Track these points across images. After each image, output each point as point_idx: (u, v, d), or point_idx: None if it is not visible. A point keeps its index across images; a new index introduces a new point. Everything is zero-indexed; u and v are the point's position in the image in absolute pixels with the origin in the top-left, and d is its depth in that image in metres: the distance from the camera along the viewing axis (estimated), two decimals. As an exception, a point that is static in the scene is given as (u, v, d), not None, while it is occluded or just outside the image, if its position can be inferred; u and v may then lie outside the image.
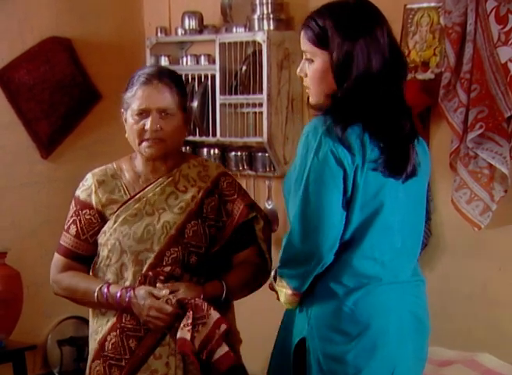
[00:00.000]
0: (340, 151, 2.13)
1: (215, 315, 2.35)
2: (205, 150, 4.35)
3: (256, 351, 3.12)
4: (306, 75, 2.30)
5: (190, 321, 2.33)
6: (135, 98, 2.48)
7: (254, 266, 2.53)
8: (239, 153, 4.24)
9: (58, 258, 2.59)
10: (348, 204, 2.15)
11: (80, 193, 2.58)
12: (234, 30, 4.16)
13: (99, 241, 2.53)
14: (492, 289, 3.49)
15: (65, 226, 2.58)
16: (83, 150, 4.55)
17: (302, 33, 2.29)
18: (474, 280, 3.54)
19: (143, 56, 4.61)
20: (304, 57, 2.31)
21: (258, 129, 4.13)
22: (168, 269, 2.44)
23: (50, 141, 4.43)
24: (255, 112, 4.17)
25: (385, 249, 2.21)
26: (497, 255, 3.45)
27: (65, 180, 4.42)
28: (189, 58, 4.35)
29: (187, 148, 4.42)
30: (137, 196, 2.52)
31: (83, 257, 2.56)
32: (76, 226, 2.55)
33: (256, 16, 4.08)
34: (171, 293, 2.39)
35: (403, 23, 3.64)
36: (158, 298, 2.38)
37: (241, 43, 4.09)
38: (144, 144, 2.48)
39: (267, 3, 4.07)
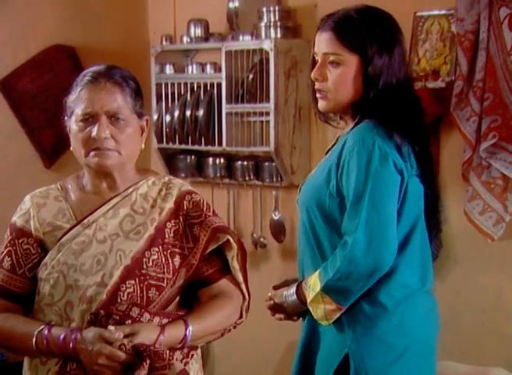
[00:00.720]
0: (398, 158, 2.15)
1: (178, 366, 1.98)
2: (211, 159, 4.29)
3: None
4: (324, 79, 2.24)
5: (145, 372, 1.93)
6: (79, 100, 2.06)
7: (227, 302, 2.13)
8: (245, 163, 4.18)
9: None
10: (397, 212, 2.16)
11: (17, 218, 2.15)
12: (240, 37, 4.10)
13: (39, 275, 2.09)
14: (504, 301, 3.43)
15: None
16: (86, 160, 4.49)
17: (328, 33, 2.24)
18: (486, 293, 3.47)
19: (147, 64, 4.56)
20: (321, 60, 2.24)
21: (265, 138, 4.07)
22: (123, 307, 2.02)
23: (53, 150, 4.37)
24: (262, 121, 4.11)
25: (420, 256, 2.22)
26: (510, 267, 3.39)
27: (69, 189, 4.38)
28: (194, 66, 4.29)
29: (192, 157, 4.38)
30: (85, 220, 2.09)
31: (19, 295, 2.12)
32: (11, 259, 2.11)
33: (263, 24, 4.02)
34: (126, 337, 1.95)
35: (413, 31, 3.58)
36: (110, 343, 1.94)
37: (248, 51, 4.03)
38: (92, 154, 2.06)
39: (274, 11, 4.01)
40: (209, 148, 4.23)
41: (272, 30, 4.00)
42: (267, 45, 3.94)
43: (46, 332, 2.01)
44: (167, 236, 2.10)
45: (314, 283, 2.19)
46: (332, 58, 2.22)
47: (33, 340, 2.02)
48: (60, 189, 2.18)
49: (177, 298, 2.11)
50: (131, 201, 2.12)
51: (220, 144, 4.16)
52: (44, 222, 2.11)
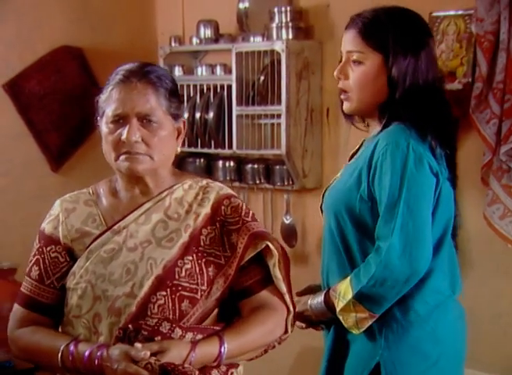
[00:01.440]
0: (433, 160, 2.11)
1: None
2: (220, 162, 4.23)
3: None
4: (346, 77, 2.18)
5: None
6: (110, 101, 1.95)
7: (270, 316, 1.97)
8: (255, 166, 4.11)
9: (16, 310, 2.05)
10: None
11: (46, 225, 2.05)
12: (251, 39, 4.04)
13: (67, 285, 1.99)
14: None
15: (27, 269, 2.05)
16: (94, 163, 4.38)
17: (353, 32, 2.21)
18: (503, 299, 3.40)
19: (157, 66, 4.50)
20: (344, 58, 2.21)
21: (276, 141, 4.01)
22: (152, 321, 1.89)
23: (60, 153, 4.32)
24: (273, 124, 4.04)
25: (449, 262, 2.19)
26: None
27: (76, 193, 4.32)
28: (204, 68, 4.23)
29: (201, 160, 4.32)
30: (115, 226, 1.98)
31: (47, 307, 2.02)
32: (39, 268, 2.01)
33: (274, 25, 3.96)
34: (154, 355, 1.83)
35: (429, 32, 3.52)
36: (136, 361, 1.82)
37: (259, 52, 3.96)
38: (122, 157, 1.94)
39: (285, 11, 3.94)
40: (219, 150, 4.17)
41: (284, 31, 3.93)
42: (278, 46, 3.87)
43: (72, 348, 1.91)
44: (202, 243, 1.97)
45: (344, 291, 2.11)
46: (354, 56, 2.19)
47: (59, 355, 1.92)
48: (91, 193, 2.07)
49: (215, 312, 1.98)
50: (165, 206, 2.00)
51: (230, 146, 4.10)
52: (73, 228, 2.01)
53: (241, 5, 4.22)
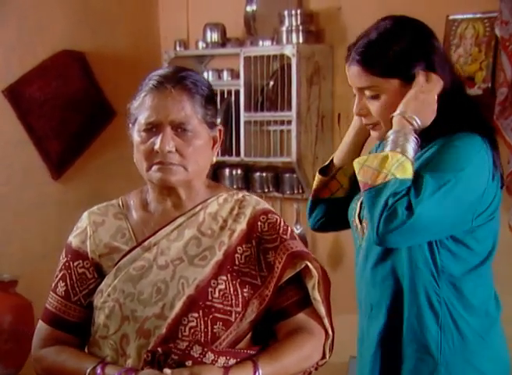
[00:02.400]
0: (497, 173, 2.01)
1: None
2: (227, 170, 4.11)
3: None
4: (368, 113, 2.04)
5: None
6: (142, 108, 1.84)
7: (307, 340, 1.85)
8: (264, 174, 3.99)
9: (41, 328, 1.95)
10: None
11: (73, 238, 1.94)
12: (260, 43, 3.92)
13: (94, 303, 1.88)
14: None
15: (53, 284, 1.94)
16: (96, 171, 4.30)
17: (356, 69, 2.01)
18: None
19: (160, 71, 4.38)
20: (358, 94, 2.04)
21: (286, 148, 3.88)
22: (183, 345, 1.78)
23: (61, 160, 4.19)
24: (282, 131, 3.92)
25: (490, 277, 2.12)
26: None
27: (77, 203, 4.18)
28: (210, 72, 4.10)
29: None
30: (146, 242, 1.87)
31: (74, 325, 1.92)
32: (66, 284, 1.90)
33: (284, 28, 3.84)
34: None
35: (446, 35, 3.42)
36: None
37: (268, 57, 3.85)
38: (154, 168, 1.83)
39: (296, 14, 3.83)
40: (226, 158, 4.04)
41: (294, 35, 3.82)
42: (289, 51, 3.75)
43: (99, 371, 1.80)
44: (237, 262, 1.84)
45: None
46: (368, 92, 2.02)
47: None
48: (121, 205, 1.95)
49: (249, 335, 1.86)
50: (198, 221, 1.88)
51: (238, 154, 3.98)
52: (101, 243, 1.90)
53: (248, 8, 4.11)
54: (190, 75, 1.87)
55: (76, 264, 1.91)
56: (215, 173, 4.16)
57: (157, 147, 1.81)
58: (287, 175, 3.92)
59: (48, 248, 4.11)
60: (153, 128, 1.83)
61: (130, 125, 1.91)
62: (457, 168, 1.92)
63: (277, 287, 1.84)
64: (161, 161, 1.82)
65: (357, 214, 2.12)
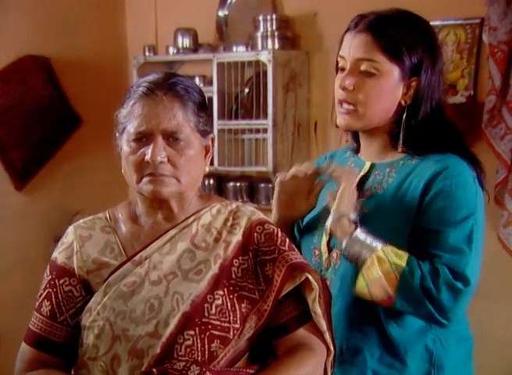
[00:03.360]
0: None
1: None
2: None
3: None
4: (356, 89, 1.91)
5: None
6: (132, 116, 1.73)
7: (308, 357, 1.75)
8: (238, 184, 3.87)
9: (24, 350, 1.82)
10: None
11: (58, 254, 1.82)
12: (234, 48, 3.79)
13: (82, 322, 1.76)
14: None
15: (37, 304, 1.82)
16: (61, 181, 4.13)
17: (365, 36, 1.89)
18: (509, 326, 3.21)
19: (127, 77, 4.25)
20: (352, 66, 1.91)
21: (262, 157, 3.77)
22: (180, 365, 1.67)
23: (24, 170, 4.00)
24: (257, 139, 3.81)
25: None
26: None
27: (41, 215, 4.05)
28: (181, 79, 3.95)
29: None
30: (137, 257, 1.76)
31: (60, 346, 1.80)
32: (51, 303, 1.79)
33: (259, 34, 3.73)
34: None
35: (426, 42, 3.32)
36: None
37: (242, 63, 3.73)
38: (145, 180, 1.73)
39: (271, 19, 3.72)
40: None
41: (270, 41, 3.71)
42: (264, 57, 3.64)
43: None
44: (234, 276, 1.74)
45: (396, 255, 1.86)
46: (365, 65, 1.90)
47: None
48: (108, 219, 1.85)
49: (247, 353, 1.76)
50: (191, 233, 1.78)
51: (211, 163, 3.79)
52: (89, 258, 1.79)
53: (221, 13, 3.99)
54: (181, 81, 1.77)
55: (61, 281, 1.80)
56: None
57: (148, 157, 1.71)
58: (262, 185, 3.80)
59: (9, 264, 3.94)
60: (143, 138, 1.73)
61: (117, 134, 1.80)
62: (471, 209, 1.87)
63: (276, 302, 1.74)
64: (152, 172, 1.72)
65: (325, 242, 1.98)
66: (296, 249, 1.80)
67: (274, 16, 3.72)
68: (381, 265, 1.83)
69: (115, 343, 1.70)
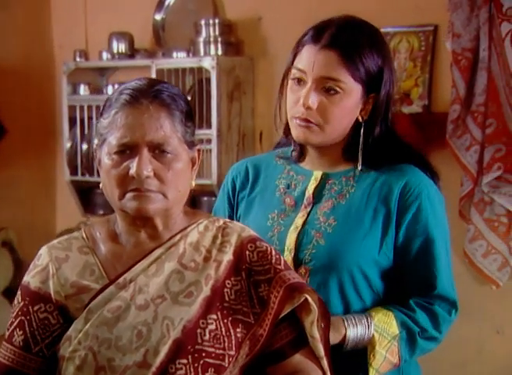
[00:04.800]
0: None
1: None
2: (136, 194, 3.74)
3: None
4: (318, 107, 1.81)
5: None
6: (114, 126, 1.59)
7: None
8: (178, 197, 3.65)
9: None
10: None
11: (31, 278, 1.67)
12: (174, 54, 3.58)
13: (60, 353, 1.62)
14: (488, 354, 3.08)
15: (7, 333, 1.66)
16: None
17: (332, 54, 1.79)
18: (469, 344, 3.11)
19: (56, 84, 3.98)
20: (315, 83, 1.80)
21: (205, 169, 3.56)
22: None
23: None
24: (199, 150, 3.59)
25: None
26: (495, 316, 3.04)
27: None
28: (116, 87, 3.71)
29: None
30: (120, 279, 1.63)
31: None
32: (24, 332, 1.63)
33: (201, 39, 3.53)
34: None
35: (379, 49, 3.19)
36: None
37: (183, 70, 3.52)
38: (129, 196, 1.59)
39: (214, 24, 3.53)
40: (135, 180, 3.67)
41: (213, 46, 3.51)
42: (208, 63, 3.44)
43: None
44: (227, 298, 1.61)
45: (389, 327, 1.83)
46: (330, 84, 1.80)
47: None
48: (85, 238, 1.69)
49: None
50: (178, 252, 1.63)
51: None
52: (67, 282, 1.63)
53: (157, 17, 3.77)
54: (166, 88, 1.62)
55: (36, 308, 1.63)
56: (122, 197, 3.80)
57: (133, 172, 1.56)
58: (205, 198, 3.60)
59: None
60: (127, 150, 1.58)
61: (96, 146, 1.65)
62: (444, 223, 1.87)
63: (273, 325, 1.60)
64: (137, 188, 1.57)
65: (291, 255, 1.85)
66: (292, 268, 1.69)
67: (217, 21, 3.53)
68: (381, 345, 1.80)
69: (100, 374, 1.55)
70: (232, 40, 3.56)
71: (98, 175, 3.82)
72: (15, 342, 1.64)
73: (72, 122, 3.80)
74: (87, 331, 1.58)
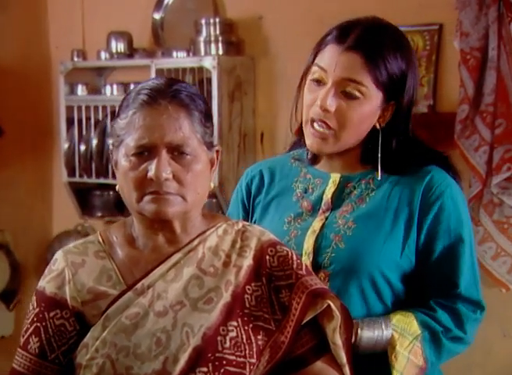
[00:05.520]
0: None
1: None
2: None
3: None
4: (336, 111, 1.75)
5: None
6: (131, 127, 1.55)
7: None
8: (178, 199, 3.60)
9: None
10: None
11: (46, 284, 1.62)
12: (174, 54, 3.53)
13: (77, 360, 1.58)
14: (496, 357, 3.05)
15: (22, 340, 1.62)
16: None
17: (356, 57, 1.74)
18: (476, 347, 3.06)
19: (53, 84, 3.92)
20: (335, 85, 1.75)
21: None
22: None
23: None
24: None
25: None
26: (502, 319, 3.01)
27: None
28: (115, 86, 3.66)
29: (110, 193, 3.77)
30: (138, 285, 1.58)
31: None
32: (40, 339, 1.60)
33: (202, 39, 3.47)
34: None
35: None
36: None
37: (184, 69, 3.47)
38: (147, 198, 1.55)
39: (214, 23, 3.48)
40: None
41: (213, 46, 3.46)
42: (208, 63, 3.39)
43: None
44: (247, 304, 1.57)
45: (410, 327, 1.77)
46: (351, 87, 1.74)
47: None
48: (102, 242, 1.65)
49: None
50: (197, 257, 1.60)
51: (149, 177, 3.56)
52: (84, 288, 1.59)
53: (156, 16, 3.72)
54: (184, 87, 1.59)
55: (52, 314, 1.60)
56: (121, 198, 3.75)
57: (151, 174, 1.53)
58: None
59: None
60: (145, 151, 1.54)
61: (111, 148, 1.62)
62: (468, 222, 1.84)
63: (295, 332, 1.56)
64: (156, 190, 1.54)
65: (310, 259, 1.81)
66: (313, 273, 1.64)
67: (217, 20, 3.48)
68: (402, 345, 1.74)
69: None
70: (233, 39, 3.51)
71: (97, 176, 3.81)
72: (30, 349, 1.60)
73: (69, 122, 3.75)
74: (104, 338, 1.55)
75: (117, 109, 1.60)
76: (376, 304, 1.77)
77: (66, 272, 1.61)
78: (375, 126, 1.80)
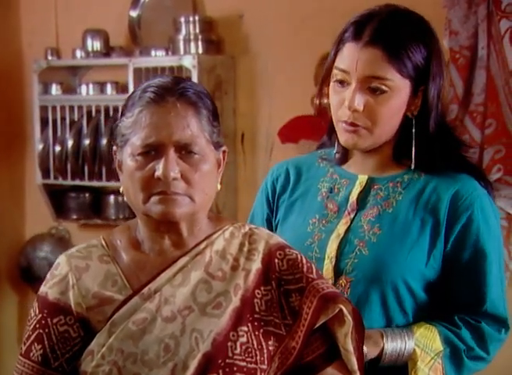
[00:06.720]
0: None
1: None
2: (112, 198, 3.67)
3: None
4: (364, 109, 1.69)
5: None
6: (138, 126, 1.50)
7: None
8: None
9: None
10: None
11: (49, 289, 1.58)
12: (152, 52, 3.45)
13: (82, 368, 1.54)
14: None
15: (23, 347, 1.58)
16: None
17: (375, 52, 1.67)
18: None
19: (24, 83, 3.84)
20: (360, 83, 1.68)
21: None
22: None
23: None
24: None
25: None
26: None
27: None
28: (91, 86, 3.57)
29: (86, 195, 3.71)
30: (145, 289, 1.54)
31: None
32: (43, 346, 1.55)
33: (181, 37, 3.40)
34: None
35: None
36: None
37: (162, 68, 3.39)
38: (154, 199, 1.50)
39: (194, 21, 3.41)
40: (111, 183, 3.54)
41: (193, 45, 3.40)
42: (188, 62, 3.32)
43: None
44: (257, 309, 1.53)
45: (432, 343, 1.72)
46: (376, 83, 1.68)
47: None
48: (105, 246, 1.60)
49: None
50: (205, 261, 1.55)
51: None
52: (89, 293, 1.55)
53: (133, 13, 3.64)
54: (191, 85, 1.55)
55: (55, 321, 1.55)
56: (97, 201, 3.69)
57: (159, 173, 1.48)
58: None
59: None
60: (152, 151, 1.50)
61: (115, 148, 1.57)
62: (498, 237, 1.77)
63: (307, 338, 1.53)
64: (164, 190, 1.49)
65: (330, 268, 1.75)
66: (324, 277, 1.61)
67: (197, 18, 3.41)
68: (423, 361, 1.69)
69: None
70: (213, 38, 3.45)
71: (72, 178, 3.70)
72: (33, 357, 1.55)
73: (44, 123, 3.65)
74: (110, 345, 1.50)
75: (121, 108, 1.56)
76: (396, 313, 1.71)
77: (70, 277, 1.57)
78: (407, 116, 1.73)
